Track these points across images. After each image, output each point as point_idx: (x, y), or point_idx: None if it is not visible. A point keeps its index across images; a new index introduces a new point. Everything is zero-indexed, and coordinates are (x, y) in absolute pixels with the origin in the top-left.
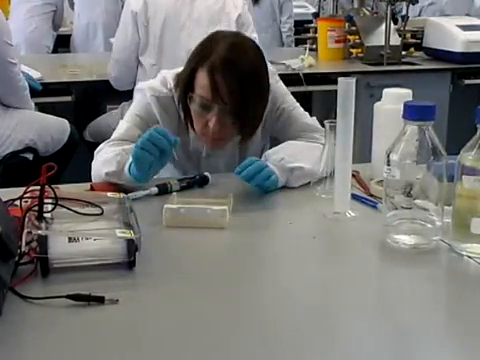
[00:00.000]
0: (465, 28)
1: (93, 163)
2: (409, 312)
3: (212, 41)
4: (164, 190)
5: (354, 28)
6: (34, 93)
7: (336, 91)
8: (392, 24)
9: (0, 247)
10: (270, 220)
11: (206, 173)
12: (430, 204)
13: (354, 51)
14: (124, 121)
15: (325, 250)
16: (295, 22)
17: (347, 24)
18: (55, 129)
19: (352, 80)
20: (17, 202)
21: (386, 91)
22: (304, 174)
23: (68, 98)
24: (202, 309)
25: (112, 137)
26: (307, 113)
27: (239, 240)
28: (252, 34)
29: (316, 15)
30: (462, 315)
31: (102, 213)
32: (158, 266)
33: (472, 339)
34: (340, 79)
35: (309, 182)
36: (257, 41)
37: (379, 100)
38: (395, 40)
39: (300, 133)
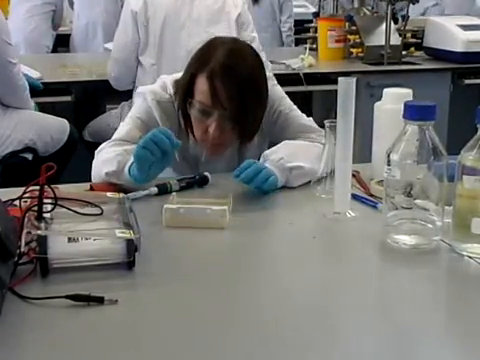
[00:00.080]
0: (465, 28)
1: (93, 163)
2: (409, 312)
3: (211, 47)
4: (164, 190)
5: (354, 28)
6: (34, 93)
7: (336, 91)
8: (392, 24)
9: None
10: (270, 220)
11: (206, 173)
12: (430, 204)
13: (354, 51)
14: (125, 123)
15: (325, 250)
16: (295, 22)
17: (347, 24)
18: (55, 129)
19: (352, 80)
20: (16, 202)
21: (386, 91)
22: (303, 173)
23: (68, 98)
24: (202, 309)
25: (113, 138)
26: (304, 115)
27: (239, 240)
28: (252, 33)
29: (316, 15)
30: (462, 315)
31: (102, 213)
32: (158, 266)
33: (472, 339)
34: (340, 79)
35: (309, 182)
36: (257, 40)
37: (379, 100)
38: (395, 40)
39: (297, 134)
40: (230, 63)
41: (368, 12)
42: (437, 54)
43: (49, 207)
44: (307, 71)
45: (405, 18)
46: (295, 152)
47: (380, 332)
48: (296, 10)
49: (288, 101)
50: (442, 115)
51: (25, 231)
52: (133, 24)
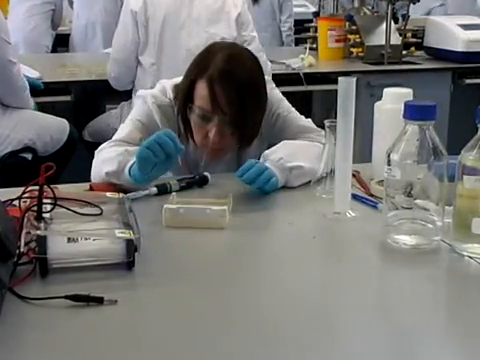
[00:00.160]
0: (466, 27)
1: (93, 162)
2: (409, 312)
3: (210, 52)
4: (163, 190)
5: (354, 27)
6: (34, 92)
7: (336, 91)
8: (393, 23)
9: None
10: (270, 220)
11: (206, 173)
12: (431, 204)
13: (354, 50)
14: (125, 125)
15: (325, 250)
16: (295, 21)
17: (347, 23)
18: (54, 129)
19: (352, 79)
20: (16, 202)
21: (386, 91)
22: (303, 173)
23: (67, 98)
24: (201, 309)
25: (113, 138)
26: (302, 116)
27: (239, 240)
28: (252, 33)
29: (316, 14)
30: (463, 315)
31: (101, 213)
32: (157, 266)
33: (472, 340)
34: (340, 79)
35: (309, 182)
36: (257, 40)
37: (379, 100)
38: (396, 39)
39: (297, 135)
40: (229, 68)
41: (368, 12)
42: (437, 54)
43: (48, 207)
44: (307, 71)
45: (405, 18)
46: (295, 152)
47: (380, 332)
48: (296, 10)
49: (286, 103)
50: (442, 115)
51: (24, 231)
52: (133, 24)
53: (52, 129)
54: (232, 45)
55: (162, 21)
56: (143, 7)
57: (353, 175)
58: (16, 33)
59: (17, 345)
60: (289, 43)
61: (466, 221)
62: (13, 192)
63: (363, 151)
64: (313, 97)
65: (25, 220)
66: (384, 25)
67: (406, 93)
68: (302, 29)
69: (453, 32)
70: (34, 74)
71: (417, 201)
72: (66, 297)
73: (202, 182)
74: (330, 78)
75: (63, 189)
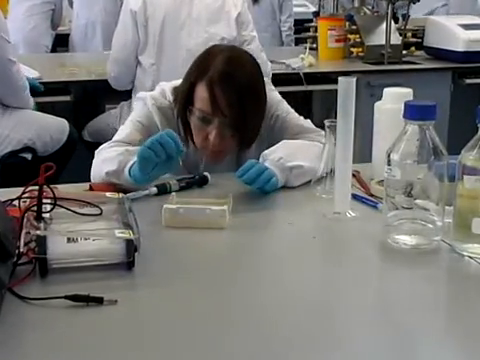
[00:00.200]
0: (466, 27)
1: (93, 162)
2: (409, 312)
3: (209, 55)
4: (163, 190)
5: (354, 27)
6: (33, 92)
7: (336, 90)
8: (393, 23)
9: None
10: (270, 220)
11: (205, 173)
12: (431, 204)
13: (354, 50)
14: (125, 126)
15: (325, 250)
16: (295, 21)
17: (347, 23)
18: (54, 129)
19: (352, 79)
20: (15, 202)
21: (387, 90)
22: (303, 172)
23: (67, 98)
24: (201, 309)
25: (113, 139)
26: (301, 117)
27: (239, 240)
28: (251, 33)
29: (316, 14)
30: (463, 316)
31: (101, 213)
32: (157, 266)
33: (473, 340)
34: (340, 78)
35: (309, 181)
36: (257, 40)
37: (380, 99)
38: (396, 39)
39: (296, 136)
40: (229, 70)
41: (368, 11)
42: (438, 53)
43: (48, 207)
44: (307, 71)
45: (405, 17)
46: (294, 151)
47: (380, 332)
48: (296, 9)
49: (285, 105)
50: (443, 115)
51: (24, 231)
52: (132, 24)
53: (52, 129)
54: (232, 48)
55: (162, 21)
56: (143, 7)
57: (353, 175)
58: (16, 33)
59: (17, 345)
60: (289, 43)
61: (466, 221)
62: (13, 192)
63: (363, 151)
64: (313, 97)
65: (25, 220)
66: (384, 25)
67: (406, 93)
68: (302, 29)
69: (453, 32)
70: (34, 74)
71: (417, 201)
72: (66, 297)
73: (202, 182)
74: (330, 78)
75: (63, 189)
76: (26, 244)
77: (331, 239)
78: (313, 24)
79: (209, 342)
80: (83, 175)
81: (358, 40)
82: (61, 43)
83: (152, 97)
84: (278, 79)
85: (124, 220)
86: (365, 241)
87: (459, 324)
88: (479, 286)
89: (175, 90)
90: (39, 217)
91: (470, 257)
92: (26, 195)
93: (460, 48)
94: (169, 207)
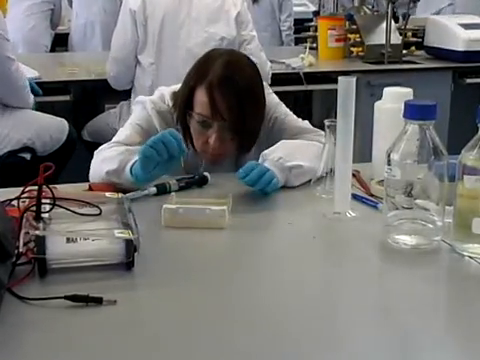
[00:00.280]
0: (466, 27)
1: (92, 162)
2: (410, 313)
3: (208, 59)
4: (163, 190)
5: (355, 27)
6: (32, 92)
7: (336, 90)
8: (393, 22)
9: None
10: (270, 220)
11: (205, 173)
12: (431, 204)
13: (355, 50)
14: (124, 128)
15: (325, 250)
16: (295, 20)
17: (347, 23)
18: (54, 128)
19: (352, 79)
20: (15, 202)
21: (387, 90)
22: (303, 172)
23: (66, 97)
24: (201, 310)
25: (113, 140)
26: (300, 119)
27: (238, 240)
28: (251, 32)
29: (316, 13)
30: (463, 316)
31: (100, 213)
32: (157, 267)
33: (473, 340)
34: (340, 78)
35: (309, 181)
36: (256, 39)
37: (380, 99)
38: (396, 39)
39: (294, 137)
40: (228, 74)
41: (368, 11)
42: (438, 53)
43: (47, 207)
44: (307, 70)
45: (406, 17)
46: (294, 151)
47: (380, 332)
48: (296, 9)
49: (283, 107)
50: (443, 114)
51: (23, 231)
52: (132, 23)
53: (51, 129)
54: (230, 51)
55: (161, 20)
56: (142, 6)
57: (353, 175)
58: (15, 32)
59: (16, 345)
60: (289, 42)
61: (466, 221)
62: (12, 192)
63: (363, 151)
64: (313, 97)
65: (24, 220)
66: (384, 24)
67: (406, 92)
68: (302, 28)
69: (454, 31)
70: (33, 74)
71: (417, 201)
72: (65, 297)
73: (201, 182)
74: (330, 77)
75: (62, 189)
76: (25, 244)
77: (331, 239)
78: (313, 23)
79: (209, 342)
80: (82, 175)
81: (358, 40)
82: (60, 43)
83: (151, 101)
84: (278, 79)
85: (123, 220)
86: (365, 241)
87: (459, 324)
88: (479, 286)
89: (174, 95)
90: (38, 217)
91: (470, 257)
92: (25, 195)
93: (460, 48)
94: (169, 207)
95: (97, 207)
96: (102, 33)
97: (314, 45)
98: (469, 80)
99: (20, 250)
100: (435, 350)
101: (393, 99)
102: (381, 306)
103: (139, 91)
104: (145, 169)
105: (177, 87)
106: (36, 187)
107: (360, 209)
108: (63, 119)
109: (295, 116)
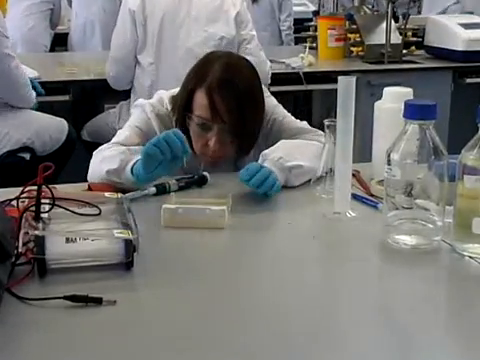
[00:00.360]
0: (466, 26)
1: (91, 162)
2: (410, 313)
3: (207, 62)
4: (162, 190)
5: (354, 26)
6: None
7: (336, 90)
8: (393, 22)
9: None
10: (269, 220)
11: (205, 173)
12: (431, 204)
13: (354, 50)
14: (123, 130)
15: (325, 250)
16: (295, 20)
17: (347, 22)
18: (53, 128)
19: (352, 79)
20: (14, 202)
21: (387, 90)
22: (303, 172)
23: (66, 97)
24: (201, 310)
25: (112, 141)
26: (298, 120)
27: (238, 240)
28: (251, 32)
29: (316, 13)
30: (463, 316)
31: (100, 213)
32: (156, 267)
33: (473, 340)
34: (340, 77)
35: (309, 181)
36: (256, 39)
37: (380, 99)
38: (396, 38)
39: (293, 137)
40: (228, 77)
41: (368, 10)
42: (438, 53)
43: (47, 207)
44: (307, 70)
45: (406, 16)
46: (294, 151)
47: (380, 332)
48: (296, 8)
49: (281, 109)
50: (443, 114)
51: (23, 231)
52: (131, 23)
53: (51, 129)
54: (229, 54)
55: (160, 20)
56: (141, 6)
57: (353, 175)
58: (14, 32)
59: (15, 346)
60: (289, 42)
61: (467, 221)
62: (11, 192)
63: (363, 151)
64: (313, 96)
65: (23, 220)
66: (384, 24)
67: (406, 92)
68: (302, 28)
69: (454, 31)
70: (32, 73)
71: (417, 201)
72: (64, 297)
73: (201, 182)
74: (330, 77)
75: (61, 189)
76: (25, 244)
77: (331, 239)
78: (313, 23)
79: (208, 342)
80: (82, 175)
81: (358, 39)
82: (60, 42)
83: (150, 104)
84: (278, 78)
85: (123, 220)
86: (365, 241)
87: (459, 324)
88: (479, 286)
89: (173, 98)
90: (38, 217)
91: (470, 257)
92: (25, 195)
93: (460, 47)
94: (168, 207)
95: (96, 207)
96: (102, 33)
97: (314, 45)
98: (469, 80)
99: (19, 250)
100: (435, 350)
101: (393, 99)
102: (381, 306)
103: (139, 91)
104: (147, 168)
105: (176, 91)
106: (35, 187)
107: (360, 209)
108: (62, 119)
109: (293, 118)
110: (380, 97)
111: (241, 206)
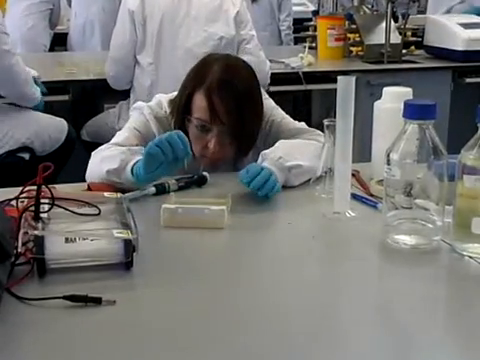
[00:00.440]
0: (466, 26)
1: (90, 162)
2: (409, 313)
3: (206, 64)
4: (162, 190)
5: (354, 26)
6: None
7: (336, 90)
8: (392, 22)
9: None
10: (269, 220)
11: (204, 173)
12: (431, 204)
13: (354, 49)
14: (122, 132)
15: (325, 250)
16: (294, 20)
17: (347, 22)
18: (53, 128)
19: (352, 78)
20: (13, 202)
21: (386, 90)
22: (303, 172)
23: (65, 97)
24: (200, 310)
25: (111, 142)
26: (296, 121)
27: (238, 240)
28: (250, 32)
29: (316, 13)
30: (463, 316)
31: (99, 213)
32: (156, 267)
33: (473, 340)
34: (339, 77)
35: (309, 181)
36: (255, 39)
37: (379, 99)
38: (395, 38)
39: (292, 138)
40: (227, 78)
41: (368, 10)
42: (437, 53)
43: (46, 207)
44: (306, 70)
45: (405, 16)
46: (293, 151)
47: (380, 332)
48: (295, 8)
49: (280, 111)
50: (442, 114)
51: (22, 231)
52: (130, 23)
53: (50, 129)
54: (227, 56)
55: (160, 20)
56: (140, 6)
57: (353, 175)
58: (14, 32)
59: (15, 346)
60: (288, 42)
61: (466, 221)
62: (11, 192)
63: (363, 150)
64: (312, 96)
65: (23, 220)
66: (384, 24)
67: (406, 92)
68: (301, 28)
69: (453, 31)
70: (32, 73)
71: (417, 201)
72: (64, 297)
73: (201, 182)
74: (329, 77)
75: (61, 189)
76: (24, 244)
77: (331, 239)
78: (312, 23)
79: (208, 342)
80: (81, 175)
81: (358, 39)
82: (59, 42)
83: (149, 107)
84: (277, 78)
85: (122, 220)
86: (365, 241)
87: (458, 324)
88: (479, 286)
89: (171, 102)
90: (37, 217)
91: (470, 257)
92: (24, 195)
93: (460, 47)
94: (168, 207)
95: (96, 207)
96: (101, 33)
97: (313, 45)
98: (469, 79)
99: (19, 250)
100: (434, 350)
101: (393, 99)
102: (381, 306)
103: (138, 91)
104: (147, 169)
105: (174, 94)
106: (35, 187)
107: (360, 209)
108: (62, 119)
109: (291, 119)
110: (380, 97)
111: (241, 206)
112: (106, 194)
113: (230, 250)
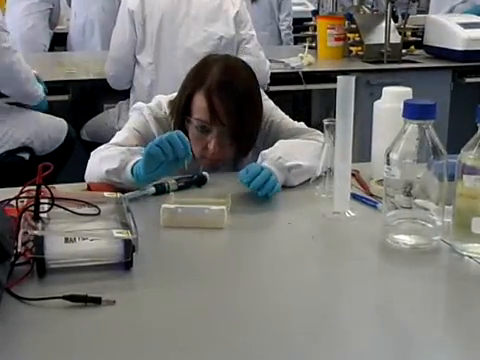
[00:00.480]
0: (466, 26)
1: (89, 161)
2: (409, 312)
3: (205, 65)
4: (162, 190)
5: (354, 26)
6: None
7: (335, 90)
8: (392, 22)
9: None
10: (269, 220)
11: (204, 173)
12: (430, 204)
13: (354, 49)
14: (122, 132)
15: (324, 250)
16: (294, 20)
17: (347, 22)
18: (53, 128)
19: (351, 78)
20: (13, 202)
21: (386, 89)
22: (302, 171)
23: (65, 97)
24: (200, 310)
25: (111, 142)
26: (295, 121)
27: (237, 240)
28: (250, 32)
29: (315, 13)
30: (463, 315)
31: (99, 213)
32: (155, 267)
33: (473, 339)
34: (339, 77)
35: (308, 180)
36: (255, 39)
37: (379, 98)
38: (395, 38)
39: (291, 138)
40: (226, 79)
41: (368, 10)
42: (437, 52)
43: (46, 207)
44: (306, 70)
45: (405, 16)
46: (293, 151)
47: (380, 332)
48: (295, 8)
49: (279, 111)
50: (442, 114)
51: (22, 231)
52: (130, 23)
53: (50, 128)
54: (227, 56)
55: (159, 20)
56: (140, 6)
57: (352, 174)
58: (13, 31)
59: (15, 345)
60: (288, 42)
61: (466, 221)
62: (10, 192)
63: (362, 150)
64: (312, 96)
65: (22, 220)
66: (384, 24)
67: (406, 92)
68: (301, 28)
69: (453, 31)
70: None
71: (417, 201)
72: (64, 297)
73: (200, 182)
74: (329, 77)
75: (61, 189)
76: (24, 244)
77: (330, 239)
78: (312, 23)
79: (208, 342)
80: (81, 175)
81: (357, 39)
82: (59, 42)
83: (149, 107)
84: (277, 78)
85: (122, 220)
86: (364, 241)
87: (458, 324)
88: (479, 286)
89: (171, 103)
90: (37, 217)
91: (470, 257)
92: (24, 195)
93: (460, 47)
94: (167, 207)
95: (96, 207)
96: (101, 32)
97: (313, 44)
98: (469, 79)
99: (19, 250)
100: (434, 350)
101: (392, 98)
102: (380, 306)
103: (138, 91)
104: (148, 169)
105: (174, 96)
106: (35, 187)
107: (359, 209)
108: (62, 119)
109: (290, 119)
110: (379, 97)
111: (241, 206)
112: (106, 194)
113: (230, 250)
